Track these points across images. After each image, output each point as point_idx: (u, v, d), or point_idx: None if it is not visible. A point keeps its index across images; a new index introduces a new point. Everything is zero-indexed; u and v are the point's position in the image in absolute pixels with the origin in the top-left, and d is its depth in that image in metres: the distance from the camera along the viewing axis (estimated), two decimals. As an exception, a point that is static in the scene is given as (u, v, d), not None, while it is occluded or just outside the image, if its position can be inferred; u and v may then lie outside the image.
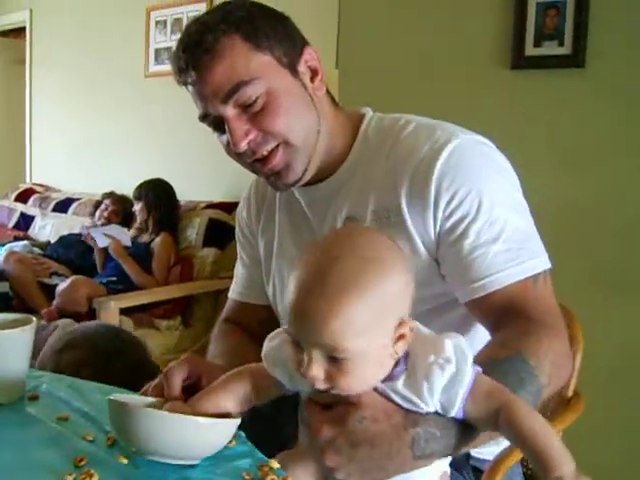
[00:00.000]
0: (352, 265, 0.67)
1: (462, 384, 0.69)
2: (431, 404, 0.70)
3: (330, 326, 0.65)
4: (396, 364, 0.71)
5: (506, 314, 0.88)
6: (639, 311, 1.82)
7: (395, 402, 0.71)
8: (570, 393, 1.19)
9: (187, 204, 3.25)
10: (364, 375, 0.69)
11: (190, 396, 0.86)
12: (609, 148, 1.86)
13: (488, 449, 1.01)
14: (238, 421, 0.76)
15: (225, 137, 0.97)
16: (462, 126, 1.00)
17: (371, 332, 0.67)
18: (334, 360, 0.67)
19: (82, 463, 0.74)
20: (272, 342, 0.78)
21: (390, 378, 0.71)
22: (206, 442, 0.74)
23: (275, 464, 0.73)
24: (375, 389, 0.72)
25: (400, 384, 0.70)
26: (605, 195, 1.85)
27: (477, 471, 1.02)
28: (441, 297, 0.96)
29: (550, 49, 1.93)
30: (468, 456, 1.03)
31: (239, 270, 1.23)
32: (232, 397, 0.78)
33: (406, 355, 0.71)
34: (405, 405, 0.71)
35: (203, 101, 0.95)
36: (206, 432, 0.73)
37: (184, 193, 3.25)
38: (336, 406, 0.72)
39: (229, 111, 0.93)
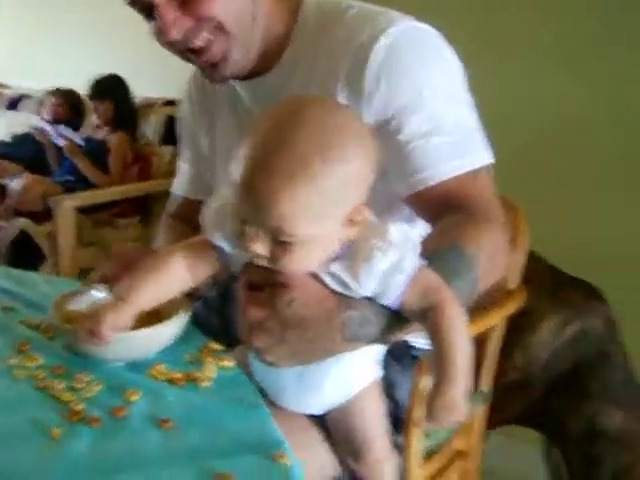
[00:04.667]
0: (306, 146, 0.63)
1: (403, 272, 0.67)
2: (367, 288, 0.69)
3: (279, 209, 0.63)
4: None
5: (446, 207, 0.86)
6: (589, 207, 1.84)
7: (328, 285, 0.70)
8: (512, 286, 1.22)
9: (143, 101, 3.14)
10: (309, 257, 0.68)
11: None
12: (594, 43, 1.79)
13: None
14: (183, 320, 0.75)
15: (155, 24, 0.91)
16: (432, 19, 0.93)
17: (322, 218, 0.65)
18: (280, 241, 0.65)
19: (25, 347, 0.75)
20: (211, 206, 0.75)
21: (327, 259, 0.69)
22: (155, 344, 0.75)
23: (215, 346, 0.75)
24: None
25: (337, 265, 0.69)
26: (582, 93, 1.80)
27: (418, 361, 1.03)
28: (385, 196, 0.93)
29: None
30: (409, 347, 1.04)
31: (183, 166, 1.20)
32: (168, 285, 0.74)
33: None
34: (338, 288, 0.70)
35: None
36: (153, 340, 0.74)
37: (139, 89, 3.13)
38: (266, 287, 0.71)
39: None
